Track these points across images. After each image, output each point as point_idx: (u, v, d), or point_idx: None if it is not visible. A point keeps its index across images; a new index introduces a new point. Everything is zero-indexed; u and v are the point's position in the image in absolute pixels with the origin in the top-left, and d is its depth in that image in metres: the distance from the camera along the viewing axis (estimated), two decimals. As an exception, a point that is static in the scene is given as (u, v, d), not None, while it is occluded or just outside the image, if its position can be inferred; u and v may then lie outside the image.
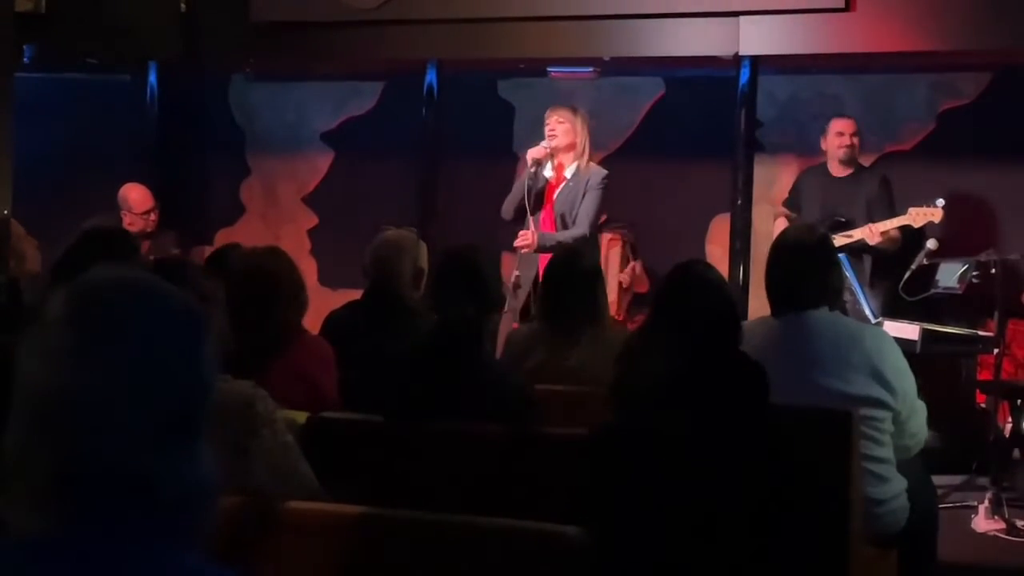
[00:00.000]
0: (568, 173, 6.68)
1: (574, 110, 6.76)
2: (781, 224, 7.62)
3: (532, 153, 6.65)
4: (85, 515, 1.40)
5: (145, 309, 1.47)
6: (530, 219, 6.52)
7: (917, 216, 6.86)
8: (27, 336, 1.45)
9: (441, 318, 3.85)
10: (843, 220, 7.09)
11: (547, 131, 6.68)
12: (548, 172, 6.70)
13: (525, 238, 6.51)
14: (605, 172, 6.72)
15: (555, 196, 6.66)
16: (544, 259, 6.40)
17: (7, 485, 1.44)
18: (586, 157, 6.71)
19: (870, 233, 6.97)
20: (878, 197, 7.19)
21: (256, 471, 2.96)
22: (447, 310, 3.86)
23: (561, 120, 6.67)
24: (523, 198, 6.58)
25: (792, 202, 7.57)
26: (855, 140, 7.28)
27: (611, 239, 7.61)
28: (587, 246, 6.41)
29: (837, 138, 7.28)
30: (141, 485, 1.41)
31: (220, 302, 3.25)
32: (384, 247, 5.04)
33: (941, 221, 6.86)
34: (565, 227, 6.61)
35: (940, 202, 6.80)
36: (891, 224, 6.98)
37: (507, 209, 6.75)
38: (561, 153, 6.68)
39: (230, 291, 3.74)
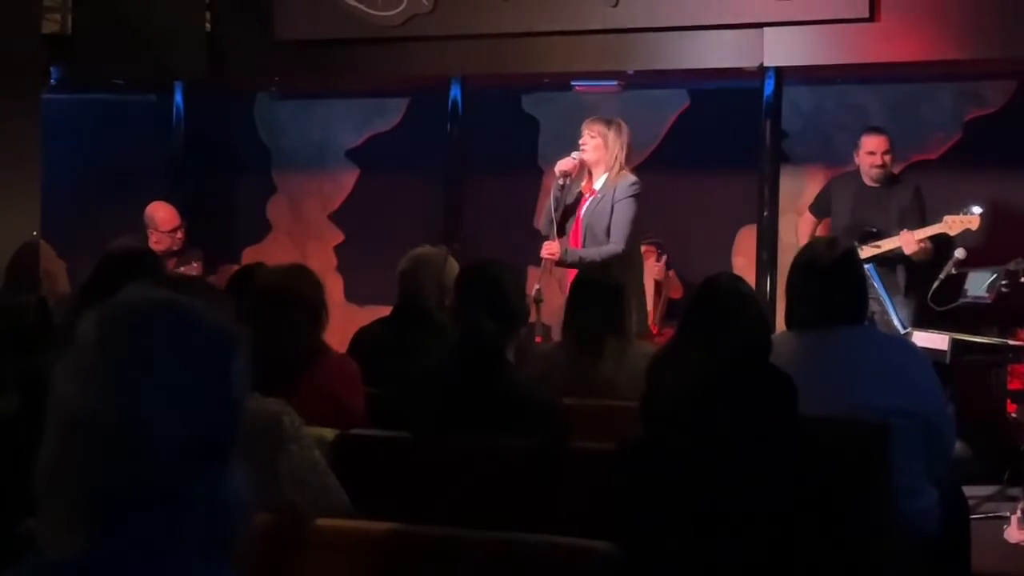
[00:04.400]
0: (597, 186, 6.59)
1: (608, 123, 6.61)
2: (806, 222, 7.58)
3: (560, 165, 6.61)
4: (117, 535, 1.41)
5: (176, 330, 1.48)
6: (554, 231, 6.50)
7: (953, 224, 6.81)
8: (60, 357, 1.46)
9: (462, 334, 3.84)
10: (874, 230, 7.04)
11: (580, 144, 6.64)
12: (584, 182, 6.67)
13: (551, 248, 6.49)
14: (633, 179, 6.55)
15: (583, 210, 6.61)
16: (572, 275, 6.41)
17: (40, 505, 1.44)
18: (616, 169, 6.56)
19: (909, 239, 6.89)
20: (910, 207, 7.13)
21: (284, 488, 2.97)
22: (467, 325, 3.85)
23: (593, 135, 6.57)
24: (551, 210, 6.56)
25: (819, 208, 7.52)
26: (886, 159, 7.19)
27: (646, 250, 7.60)
28: (621, 262, 6.29)
29: (868, 157, 7.22)
30: (173, 504, 1.42)
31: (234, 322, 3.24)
32: (411, 263, 5.04)
33: (978, 229, 6.81)
34: (595, 241, 6.50)
35: (977, 210, 6.75)
36: (928, 232, 6.93)
37: (541, 222, 6.75)
38: (591, 166, 6.65)
39: (255, 309, 3.76)
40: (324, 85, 8.95)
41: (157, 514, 1.42)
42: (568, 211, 6.62)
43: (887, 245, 6.97)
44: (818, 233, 7.48)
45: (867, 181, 7.27)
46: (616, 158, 6.58)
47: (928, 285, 6.78)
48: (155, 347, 1.45)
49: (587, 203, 6.61)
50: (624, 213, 6.47)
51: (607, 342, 4.60)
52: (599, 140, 6.57)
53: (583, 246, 6.55)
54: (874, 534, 3.48)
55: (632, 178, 6.58)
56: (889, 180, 7.27)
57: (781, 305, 6.95)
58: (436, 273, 4.97)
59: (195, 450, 1.44)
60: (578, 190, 6.64)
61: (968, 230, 6.79)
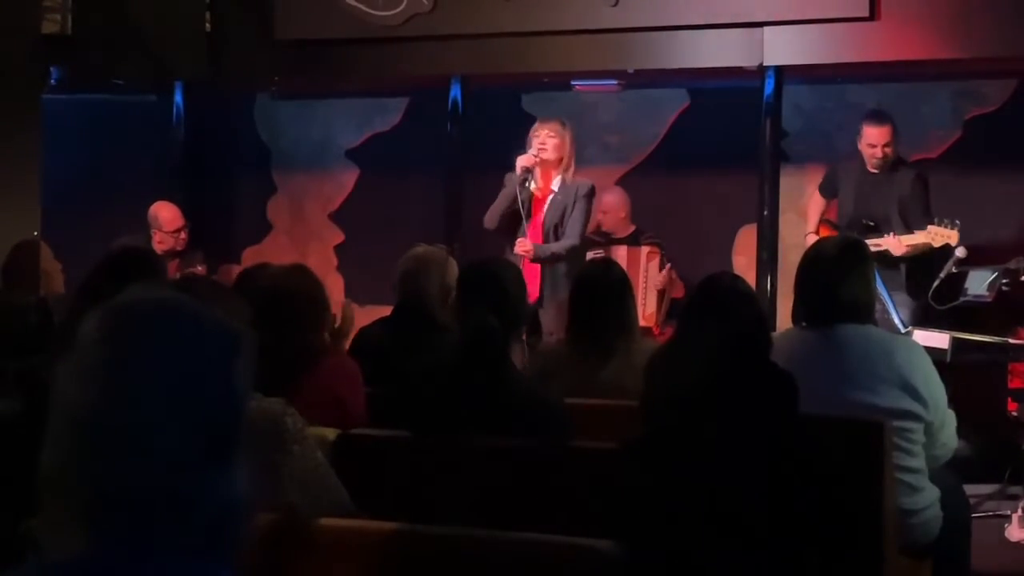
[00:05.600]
0: (555, 186, 6.80)
1: (563, 124, 6.85)
2: (815, 204, 7.54)
3: (523, 161, 6.72)
4: (120, 535, 1.40)
5: (180, 330, 1.47)
6: (524, 227, 6.61)
7: (935, 236, 6.75)
8: (62, 357, 1.46)
9: (464, 332, 3.83)
10: (872, 224, 7.00)
11: (537, 144, 6.75)
12: (533, 184, 6.75)
13: (524, 245, 6.62)
14: (591, 183, 6.88)
15: (544, 208, 6.78)
16: (531, 272, 6.48)
17: (43, 506, 1.44)
18: (571, 171, 6.82)
19: (896, 244, 6.88)
20: (912, 196, 7.04)
21: (287, 488, 2.97)
22: (470, 324, 3.84)
23: (552, 135, 6.77)
24: (511, 206, 6.69)
25: (827, 188, 7.46)
26: (887, 151, 7.07)
27: (650, 252, 7.59)
28: (576, 256, 6.66)
29: (869, 148, 7.14)
30: (176, 505, 1.42)
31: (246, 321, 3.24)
32: (411, 263, 5.04)
33: (958, 242, 6.75)
34: (556, 238, 6.74)
35: (957, 223, 6.70)
36: (913, 239, 6.89)
37: (491, 218, 6.83)
38: (549, 166, 6.75)
39: (256, 310, 3.75)
40: (324, 85, 8.95)
41: (159, 514, 1.41)
42: (526, 208, 6.71)
43: (883, 244, 6.92)
44: (826, 215, 7.47)
45: (869, 168, 7.19)
46: (569, 158, 6.82)
47: (924, 285, 6.77)
48: (157, 347, 1.45)
49: (547, 202, 6.80)
50: (582, 213, 6.78)
51: (614, 341, 4.58)
52: (558, 140, 6.79)
53: (544, 243, 6.74)
54: (874, 533, 3.48)
55: (590, 183, 6.91)
56: (892, 167, 7.18)
57: (781, 305, 7.00)
58: (437, 273, 4.97)
59: (197, 450, 1.44)
60: (530, 188, 6.72)
61: (948, 244, 6.72)
